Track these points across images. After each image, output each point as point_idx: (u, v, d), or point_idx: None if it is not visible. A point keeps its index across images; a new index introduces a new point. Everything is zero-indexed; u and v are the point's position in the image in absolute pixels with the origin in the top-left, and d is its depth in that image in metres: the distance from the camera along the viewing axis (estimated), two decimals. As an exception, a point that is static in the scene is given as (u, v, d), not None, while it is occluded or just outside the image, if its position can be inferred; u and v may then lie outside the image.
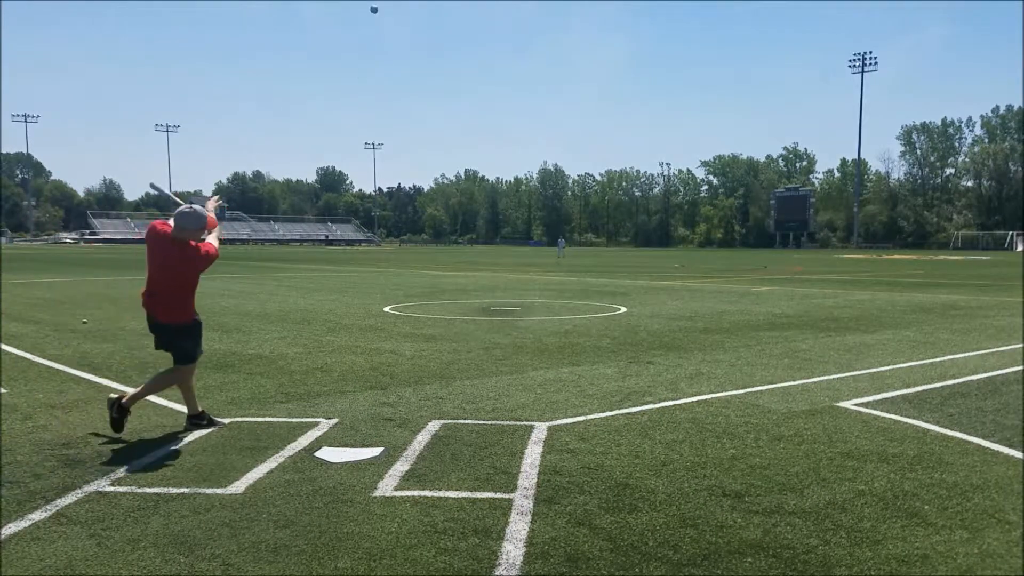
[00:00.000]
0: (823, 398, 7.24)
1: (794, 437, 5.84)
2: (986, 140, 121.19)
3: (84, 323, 13.06)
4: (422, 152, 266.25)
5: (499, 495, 4.55)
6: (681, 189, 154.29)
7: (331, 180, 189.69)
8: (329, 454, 5.35)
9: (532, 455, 5.34)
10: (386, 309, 15.90)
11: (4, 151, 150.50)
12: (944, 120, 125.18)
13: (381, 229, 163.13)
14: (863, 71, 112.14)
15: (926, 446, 5.60)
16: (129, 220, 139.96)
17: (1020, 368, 8.82)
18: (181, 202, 6.00)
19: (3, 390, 7.54)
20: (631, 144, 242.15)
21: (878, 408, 6.80)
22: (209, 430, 5.99)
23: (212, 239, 6.09)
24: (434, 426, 6.13)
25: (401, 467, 5.07)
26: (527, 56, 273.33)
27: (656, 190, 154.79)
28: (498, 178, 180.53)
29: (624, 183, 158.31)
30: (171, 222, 5.87)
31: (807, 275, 31.91)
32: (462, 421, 6.31)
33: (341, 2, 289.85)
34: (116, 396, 5.94)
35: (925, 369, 8.81)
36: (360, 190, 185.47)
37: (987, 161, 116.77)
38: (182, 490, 4.64)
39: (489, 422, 6.28)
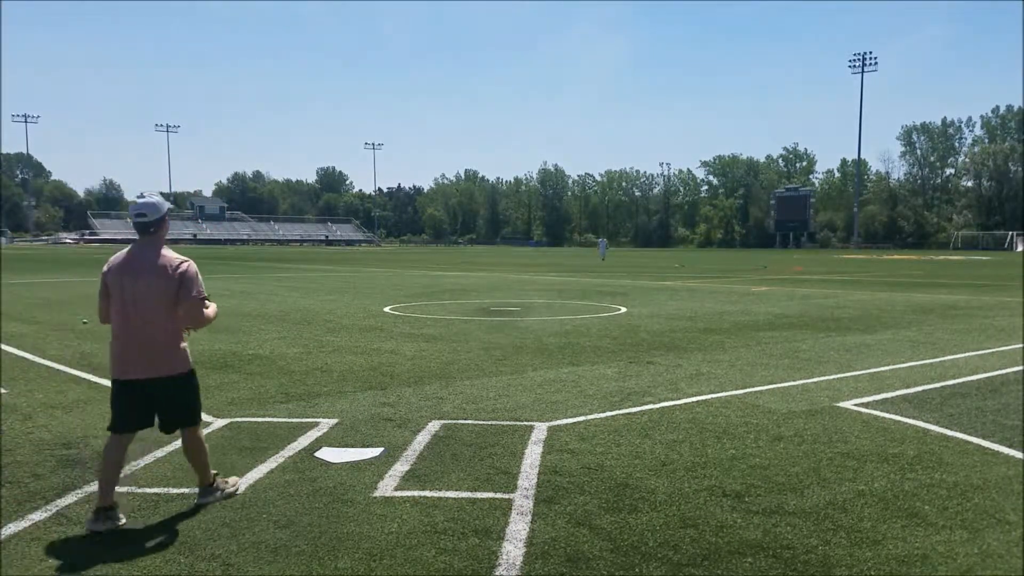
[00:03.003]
0: (823, 398, 7.23)
1: (794, 437, 5.84)
2: (986, 140, 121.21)
3: (84, 323, 13.06)
4: (422, 152, 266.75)
5: (499, 495, 4.55)
6: (681, 189, 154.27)
7: (331, 180, 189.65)
8: (329, 454, 5.35)
9: (532, 455, 5.34)
10: (386, 309, 15.90)
11: (4, 151, 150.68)
12: (944, 120, 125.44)
13: (381, 229, 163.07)
14: (863, 71, 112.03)
15: (926, 446, 5.60)
16: (129, 220, 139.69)
17: (1020, 368, 8.82)
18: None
19: (3, 390, 7.54)
20: (631, 144, 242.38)
21: (878, 408, 6.80)
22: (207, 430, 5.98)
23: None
24: (434, 426, 6.13)
25: (401, 467, 5.07)
26: (527, 56, 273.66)
27: (656, 190, 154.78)
28: (498, 178, 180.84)
29: (624, 183, 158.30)
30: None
31: (807, 275, 31.91)
32: (462, 421, 6.31)
33: (341, 2, 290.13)
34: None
35: (925, 369, 8.81)
36: (360, 190, 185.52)
37: (987, 161, 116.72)
38: (182, 490, 4.64)
39: (489, 422, 6.28)
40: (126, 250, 4.39)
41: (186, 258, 4.33)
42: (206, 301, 4.36)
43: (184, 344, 4.38)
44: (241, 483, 4.73)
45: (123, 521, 4.14)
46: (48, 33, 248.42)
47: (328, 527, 4.06)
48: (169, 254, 4.28)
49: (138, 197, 4.40)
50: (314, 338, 11.38)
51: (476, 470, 5.01)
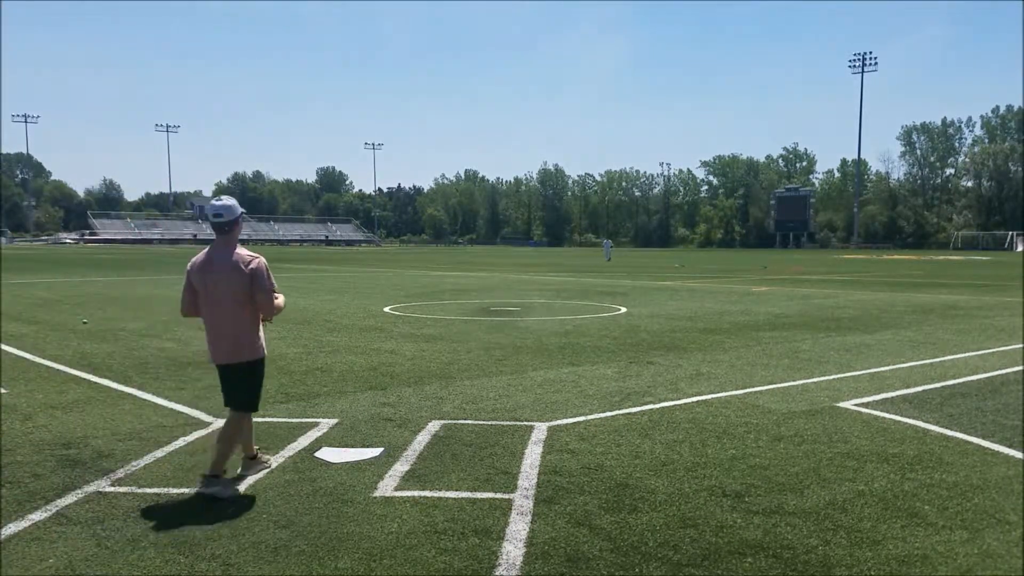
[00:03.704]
0: (823, 398, 7.23)
1: (794, 437, 5.84)
2: (986, 140, 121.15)
3: (84, 323, 13.07)
4: (422, 152, 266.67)
5: (499, 495, 4.54)
6: (681, 189, 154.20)
7: (331, 180, 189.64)
8: (329, 454, 5.35)
9: (532, 455, 5.34)
10: (386, 309, 15.90)
11: (4, 151, 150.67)
12: (944, 120, 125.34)
13: (381, 229, 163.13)
14: (863, 71, 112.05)
15: (926, 446, 5.60)
16: (129, 220, 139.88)
17: (1020, 368, 8.82)
18: None
19: (3, 390, 7.54)
20: (631, 144, 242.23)
21: (878, 408, 6.80)
22: (205, 432, 5.98)
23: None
24: (434, 426, 6.13)
25: (401, 467, 5.07)
26: (527, 56, 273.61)
27: (656, 190, 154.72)
28: (498, 178, 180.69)
29: (624, 183, 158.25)
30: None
31: (807, 275, 31.91)
32: (462, 421, 6.31)
33: (341, 2, 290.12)
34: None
35: (925, 369, 8.81)
36: (360, 190, 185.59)
37: (987, 161, 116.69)
38: (182, 490, 4.64)
39: (489, 422, 6.27)
40: (205, 250, 4.85)
41: (257, 255, 4.77)
42: (275, 293, 4.82)
43: (259, 334, 4.85)
44: (241, 484, 4.74)
45: (217, 489, 4.50)
46: (48, 33, 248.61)
47: (328, 527, 4.06)
48: (242, 251, 4.72)
49: (215, 200, 4.79)
50: (314, 338, 11.38)
51: (476, 470, 5.01)
